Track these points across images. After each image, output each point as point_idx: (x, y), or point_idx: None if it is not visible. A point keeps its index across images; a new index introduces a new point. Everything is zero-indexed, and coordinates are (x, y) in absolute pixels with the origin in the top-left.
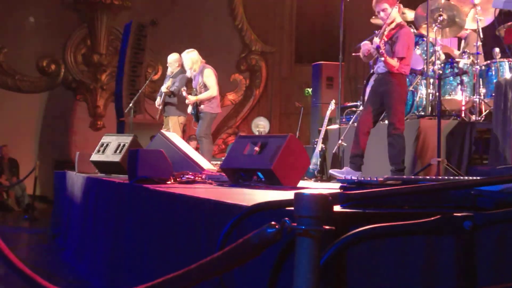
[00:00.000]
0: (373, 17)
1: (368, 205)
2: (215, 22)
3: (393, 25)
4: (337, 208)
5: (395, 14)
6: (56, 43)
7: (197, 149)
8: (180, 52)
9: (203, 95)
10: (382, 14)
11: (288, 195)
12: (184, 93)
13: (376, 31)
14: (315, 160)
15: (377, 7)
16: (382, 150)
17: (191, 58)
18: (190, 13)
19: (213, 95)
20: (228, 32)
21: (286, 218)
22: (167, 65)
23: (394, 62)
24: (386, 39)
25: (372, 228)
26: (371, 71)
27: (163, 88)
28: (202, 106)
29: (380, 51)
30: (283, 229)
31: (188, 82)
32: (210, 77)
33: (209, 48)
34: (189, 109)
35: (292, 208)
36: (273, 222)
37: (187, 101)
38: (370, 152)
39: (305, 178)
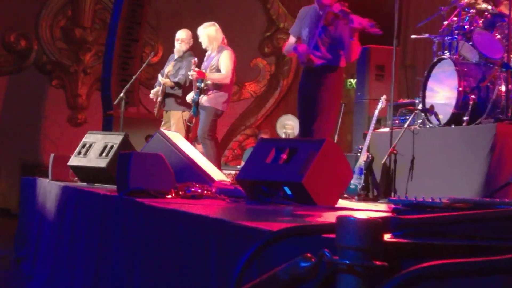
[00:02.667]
0: None
1: (429, 234)
2: None
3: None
4: (387, 236)
5: None
6: (28, 12)
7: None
8: (188, 27)
9: (215, 75)
10: None
11: (324, 217)
12: (193, 66)
13: (442, 8)
14: (359, 173)
15: None
16: (442, 161)
17: (207, 34)
18: None
19: (226, 82)
20: (249, 3)
21: (325, 249)
22: (177, 42)
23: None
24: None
25: (435, 265)
26: (434, 59)
27: (161, 78)
28: (205, 98)
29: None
30: (321, 263)
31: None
32: (228, 60)
33: (224, 24)
34: (190, 96)
35: (332, 235)
36: (308, 254)
37: (190, 73)
38: (426, 165)
39: (345, 195)
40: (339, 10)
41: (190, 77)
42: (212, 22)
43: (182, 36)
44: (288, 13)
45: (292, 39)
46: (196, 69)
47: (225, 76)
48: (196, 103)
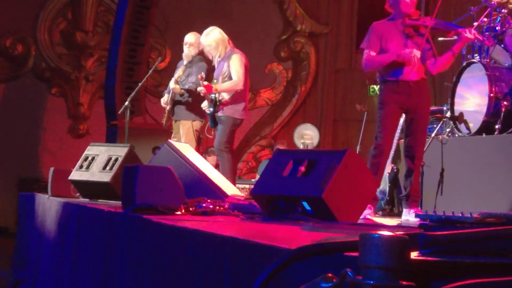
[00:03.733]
0: None
1: (459, 251)
2: None
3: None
4: (414, 254)
5: None
6: (24, 15)
7: (217, 166)
8: (198, 31)
9: (225, 85)
10: None
11: (346, 234)
12: (200, 81)
13: (472, 8)
14: (383, 186)
15: None
16: (473, 172)
17: (214, 38)
18: None
19: (238, 88)
20: (264, 4)
21: (348, 269)
22: (185, 46)
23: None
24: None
25: (466, 285)
26: (464, 63)
27: (172, 83)
28: (222, 108)
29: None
30: (343, 284)
31: (210, 73)
32: (237, 64)
33: (237, 27)
34: (204, 104)
35: (355, 254)
36: (329, 274)
37: (199, 89)
38: (455, 177)
39: None
40: (436, 24)
41: (201, 94)
42: (213, 27)
43: (190, 39)
44: (306, 14)
45: (371, 53)
46: (205, 82)
47: (237, 83)
48: (212, 115)
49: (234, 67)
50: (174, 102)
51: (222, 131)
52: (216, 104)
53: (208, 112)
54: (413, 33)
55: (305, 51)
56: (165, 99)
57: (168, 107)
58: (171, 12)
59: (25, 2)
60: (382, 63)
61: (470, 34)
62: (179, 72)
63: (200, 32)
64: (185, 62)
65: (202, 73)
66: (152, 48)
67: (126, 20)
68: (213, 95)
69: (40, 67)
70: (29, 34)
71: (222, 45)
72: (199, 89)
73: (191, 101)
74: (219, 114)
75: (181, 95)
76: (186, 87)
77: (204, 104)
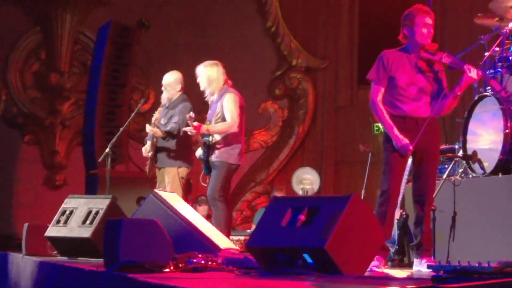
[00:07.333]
0: (479, 14)
1: None
2: (236, 24)
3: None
4: None
5: None
6: None
7: (209, 217)
8: (182, 70)
9: (218, 126)
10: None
11: None
12: (189, 122)
13: (483, 36)
14: (392, 234)
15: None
16: (489, 217)
17: (207, 75)
18: (199, 10)
19: (232, 130)
20: (256, 37)
21: None
22: (162, 88)
23: None
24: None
25: None
26: (475, 96)
27: (148, 127)
28: (215, 153)
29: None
30: None
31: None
32: (231, 104)
33: (227, 62)
34: (198, 152)
35: None
36: None
37: (187, 129)
38: (470, 222)
39: None
40: (452, 62)
41: (189, 133)
42: (215, 62)
43: (165, 80)
44: (302, 47)
45: (381, 90)
46: (195, 123)
47: (231, 124)
48: (206, 161)
49: (228, 107)
50: (157, 149)
51: (215, 177)
52: (210, 148)
53: (201, 157)
54: (426, 68)
55: (302, 88)
56: (147, 148)
57: (150, 154)
58: (155, 49)
59: None
60: (383, 124)
61: (474, 74)
62: (156, 115)
63: (188, 69)
64: (167, 104)
65: (191, 113)
66: (135, 89)
67: (105, 59)
68: (206, 138)
69: (12, 113)
70: None
71: (215, 83)
72: (187, 129)
73: (174, 146)
74: (213, 159)
75: (164, 138)
76: (168, 128)
77: (198, 152)
